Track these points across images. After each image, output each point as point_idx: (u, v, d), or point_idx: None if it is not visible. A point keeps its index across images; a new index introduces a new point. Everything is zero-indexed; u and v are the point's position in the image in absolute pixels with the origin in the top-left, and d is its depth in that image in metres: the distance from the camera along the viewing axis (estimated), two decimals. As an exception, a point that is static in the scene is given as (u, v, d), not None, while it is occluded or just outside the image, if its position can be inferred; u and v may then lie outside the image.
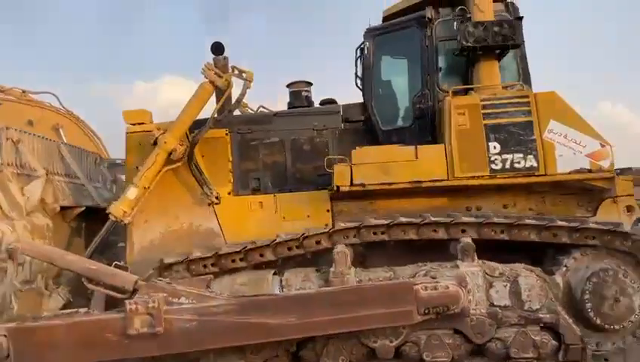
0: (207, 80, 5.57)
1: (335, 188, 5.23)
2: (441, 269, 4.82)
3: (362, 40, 6.28)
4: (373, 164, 5.21)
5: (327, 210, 5.68)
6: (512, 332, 4.70)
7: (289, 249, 5.17)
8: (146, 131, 5.83)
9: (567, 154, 5.11)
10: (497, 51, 5.42)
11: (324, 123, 6.03)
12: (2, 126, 5.31)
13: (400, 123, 5.97)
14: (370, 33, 6.08)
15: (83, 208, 6.29)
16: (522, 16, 5.46)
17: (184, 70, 31.34)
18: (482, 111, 5.18)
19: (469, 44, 5.25)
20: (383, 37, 6.02)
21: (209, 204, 5.72)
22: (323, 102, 6.56)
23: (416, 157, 5.17)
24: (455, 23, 5.62)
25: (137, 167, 5.63)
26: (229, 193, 5.80)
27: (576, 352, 4.68)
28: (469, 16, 5.49)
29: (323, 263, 5.21)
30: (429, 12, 5.71)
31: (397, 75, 6.16)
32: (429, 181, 5.12)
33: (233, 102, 5.65)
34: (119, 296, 4.55)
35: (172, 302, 4.40)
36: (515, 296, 4.76)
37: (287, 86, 6.73)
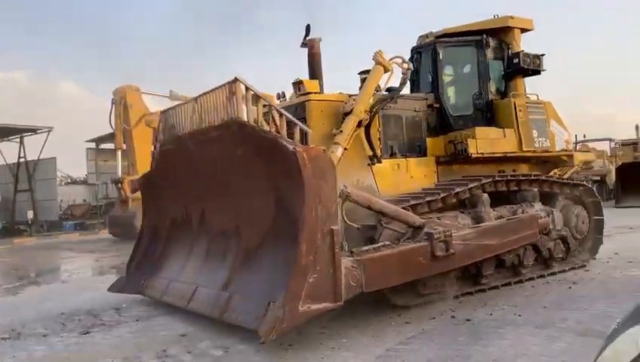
0: (378, 65, 6.89)
1: (467, 154, 7.45)
2: (526, 208, 7.61)
3: (416, 44, 8.54)
4: (486, 140, 7.68)
5: (434, 171, 7.77)
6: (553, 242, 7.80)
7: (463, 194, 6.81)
8: (328, 100, 6.70)
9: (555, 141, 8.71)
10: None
11: (419, 106, 7.94)
12: None
13: (464, 112, 8.28)
14: (441, 44, 8.31)
15: None
16: (544, 53, 8.67)
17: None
18: (528, 110, 8.28)
19: (523, 66, 8.24)
20: (450, 49, 8.36)
21: (368, 165, 6.99)
22: (388, 90, 8.33)
23: (504, 136, 7.91)
24: (499, 49, 8.51)
25: (333, 131, 6.52)
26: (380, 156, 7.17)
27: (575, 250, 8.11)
28: (509, 47, 8.48)
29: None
30: (484, 39, 8.33)
31: (460, 77, 8.64)
32: (511, 152, 7.93)
33: (399, 85, 7.09)
34: (403, 231, 5.77)
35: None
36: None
37: (359, 73, 8.17)
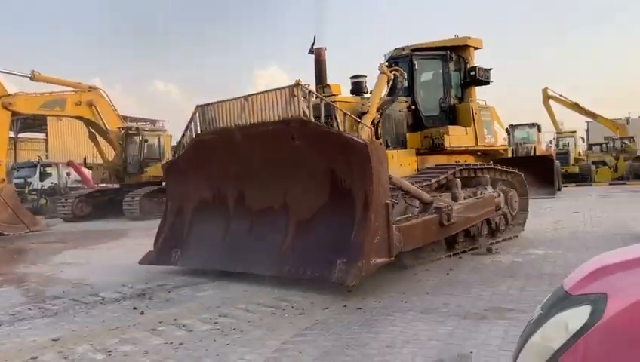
0: (382, 74, 8.59)
1: (443, 147, 9.41)
2: (483, 190, 9.72)
3: (392, 55, 10.36)
4: (455, 136, 9.68)
5: (415, 161, 9.66)
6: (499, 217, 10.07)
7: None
8: (349, 102, 8.32)
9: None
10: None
11: (402, 107, 9.71)
12: None
13: (433, 112, 10.23)
14: (416, 56, 10.17)
15: None
16: (492, 68, 10.69)
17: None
18: (480, 113, 10.42)
19: (477, 77, 10.34)
20: (423, 60, 10.32)
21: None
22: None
23: (466, 133, 9.98)
24: (459, 63, 10.56)
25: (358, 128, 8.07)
26: None
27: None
28: (466, 62, 10.56)
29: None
30: (448, 54, 10.32)
31: (429, 84, 10.52)
32: (471, 146, 10.04)
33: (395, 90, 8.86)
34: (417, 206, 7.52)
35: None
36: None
37: (351, 78, 9.45)
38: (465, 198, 8.69)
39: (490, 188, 9.56)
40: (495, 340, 4.41)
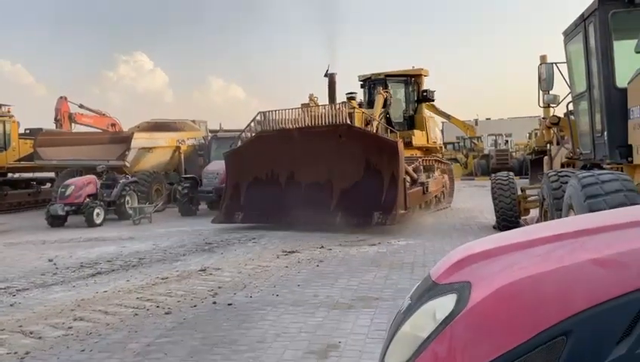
0: (379, 94, 12.98)
1: (412, 144, 13.69)
2: (434, 173, 13.56)
3: (369, 77, 14.86)
4: (417, 136, 14.07)
5: None
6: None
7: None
8: (362, 112, 12.31)
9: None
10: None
11: (382, 116, 13.01)
12: None
13: (399, 120, 14.34)
14: (390, 79, 14.60)
15: None
16: (435, 90, 15.09)
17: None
18: (428, 121, 15.08)
19: (427, 96, 14.70)
20: (393, 83, 14.71)
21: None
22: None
23: (422, 135, 14.44)
24: (415, 85, 14.99)
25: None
26: None
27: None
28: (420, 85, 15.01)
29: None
30: (409, 79, 14.86)
31: (397, 100, 14.67)
32: (425, 145, 14.53)
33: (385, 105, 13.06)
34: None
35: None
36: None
37: (346, 94, 12.78)
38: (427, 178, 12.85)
39: (437, 173, 14.00)
40: (362, 329, 4.57)
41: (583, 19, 6.19)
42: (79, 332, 4.69)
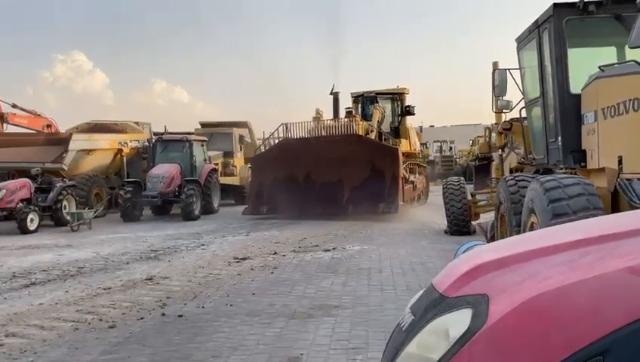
0: (376, 110, 16.46)
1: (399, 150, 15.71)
2: (415, 175, 16.87)
3: (361, 95, 17.69)
4: (403, 144, 16.49)
5: None
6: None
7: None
8: (362, 124, 15.46)
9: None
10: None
11: (377, 127, 15.98)
12: None
13: (387, 130, 16.88)
14: (380, 96, 17.54)
15: None
16: (415, 105, 18.02)
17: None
18: (410, 131, 18.01)
19: (409, 110, 17.67)
20: (382, 100, 17.67)
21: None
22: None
23: (407, 143, 16.99)
24: (399, 101, 17.99)
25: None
26: None
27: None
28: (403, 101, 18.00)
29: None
30: (395, 96, 17.96)
31: (385, 114, 17.46)
32: (409, 151, 16.93)
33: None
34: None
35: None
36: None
37: (346, 108, 16.15)
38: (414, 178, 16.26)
39: (418, 174, 17.16)
40: (324, 339, 4.36)
41: (537, 26, 6.26)
42: (12, 350, 4.27)
